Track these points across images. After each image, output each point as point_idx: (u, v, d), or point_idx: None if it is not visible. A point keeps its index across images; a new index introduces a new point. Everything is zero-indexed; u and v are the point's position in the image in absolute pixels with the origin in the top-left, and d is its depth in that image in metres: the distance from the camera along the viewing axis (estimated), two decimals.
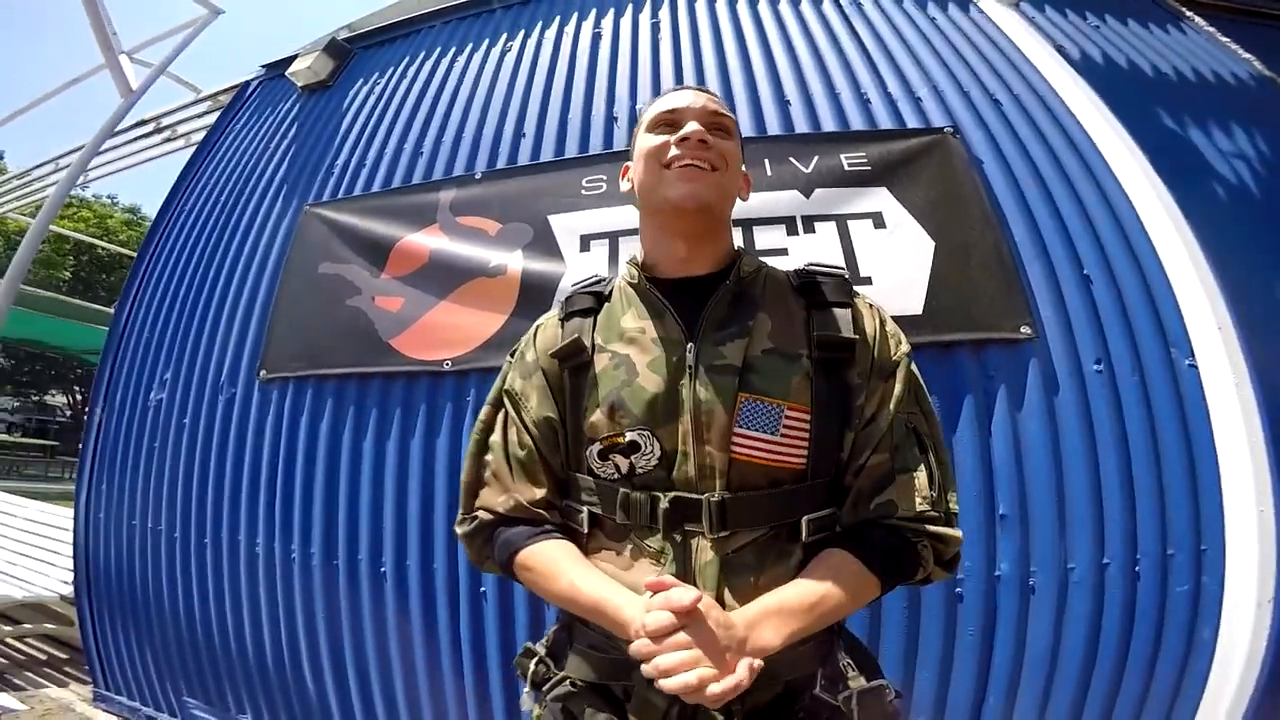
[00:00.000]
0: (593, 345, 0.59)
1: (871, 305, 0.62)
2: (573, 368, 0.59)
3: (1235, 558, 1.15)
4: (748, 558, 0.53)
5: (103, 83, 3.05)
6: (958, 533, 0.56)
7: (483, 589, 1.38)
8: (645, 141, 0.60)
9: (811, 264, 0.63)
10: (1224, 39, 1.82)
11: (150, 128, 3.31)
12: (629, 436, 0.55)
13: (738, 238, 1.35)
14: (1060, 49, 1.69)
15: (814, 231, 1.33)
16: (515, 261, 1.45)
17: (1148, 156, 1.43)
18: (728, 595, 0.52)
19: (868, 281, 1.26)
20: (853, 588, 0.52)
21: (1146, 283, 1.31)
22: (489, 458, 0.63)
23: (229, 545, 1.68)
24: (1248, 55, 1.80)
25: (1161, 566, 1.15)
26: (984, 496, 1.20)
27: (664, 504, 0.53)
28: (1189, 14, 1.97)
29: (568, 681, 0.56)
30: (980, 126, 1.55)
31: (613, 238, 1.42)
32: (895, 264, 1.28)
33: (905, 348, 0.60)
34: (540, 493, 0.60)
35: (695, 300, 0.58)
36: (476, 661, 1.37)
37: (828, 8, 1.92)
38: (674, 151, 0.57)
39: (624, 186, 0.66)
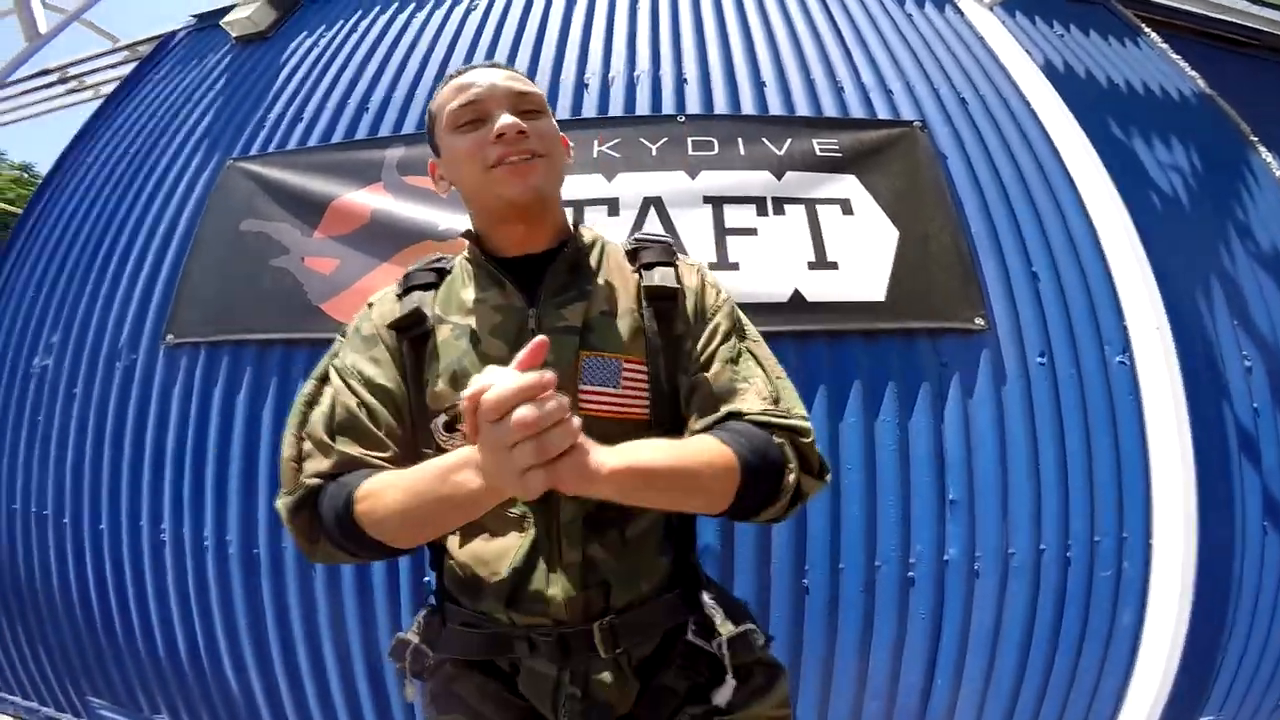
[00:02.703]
0: (433, 316, 0.58)
1: (693, 264, 0.64)
2: (412, 339, 0.58)
3: (1161, 549, 1.22)
4: (610, 512, 0.54)
5: (6, 27, 2.66)
6: (807, 422, 0.56)
7: (426, 578, 1.27)
8: (455, 143, 0.57)
9: (641, 234, 0.67)
10: (1174, 56, 1.95)
11: (54, 77, 2.91)
12: None
13: (709, 216, 1.30)
14: (1028, 53, 1.75)
15: (783, 213, 1.30)
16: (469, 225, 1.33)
17: (1102, 161, 1.49)
18: (597, 549, 0.54)
19: (834, 266, 1.25)
20: (708, 455, 0.49)
21: (1087, 282, 1.37)
22: (310, 429, 0.57)
23: (129, 531, 1.49)
24: (1193, 73, 1.93)
25: (1089, 553, 1.22)
26: (936, 482, 1.22)
27: None
28: (1146, 30, 2.10)
29: (447, 664, 0.56)
30: (946, 123, 1.57)
31: (577, 207, 1.33)
32: (861, 251, 1.27)
33: (725, 294, 0.63)
34: (373, 453, 0.55)
35: (535, 272, 0.59)
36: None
37: None
38: (493, 150, 0.54)
39: (441, 189, 0.63)
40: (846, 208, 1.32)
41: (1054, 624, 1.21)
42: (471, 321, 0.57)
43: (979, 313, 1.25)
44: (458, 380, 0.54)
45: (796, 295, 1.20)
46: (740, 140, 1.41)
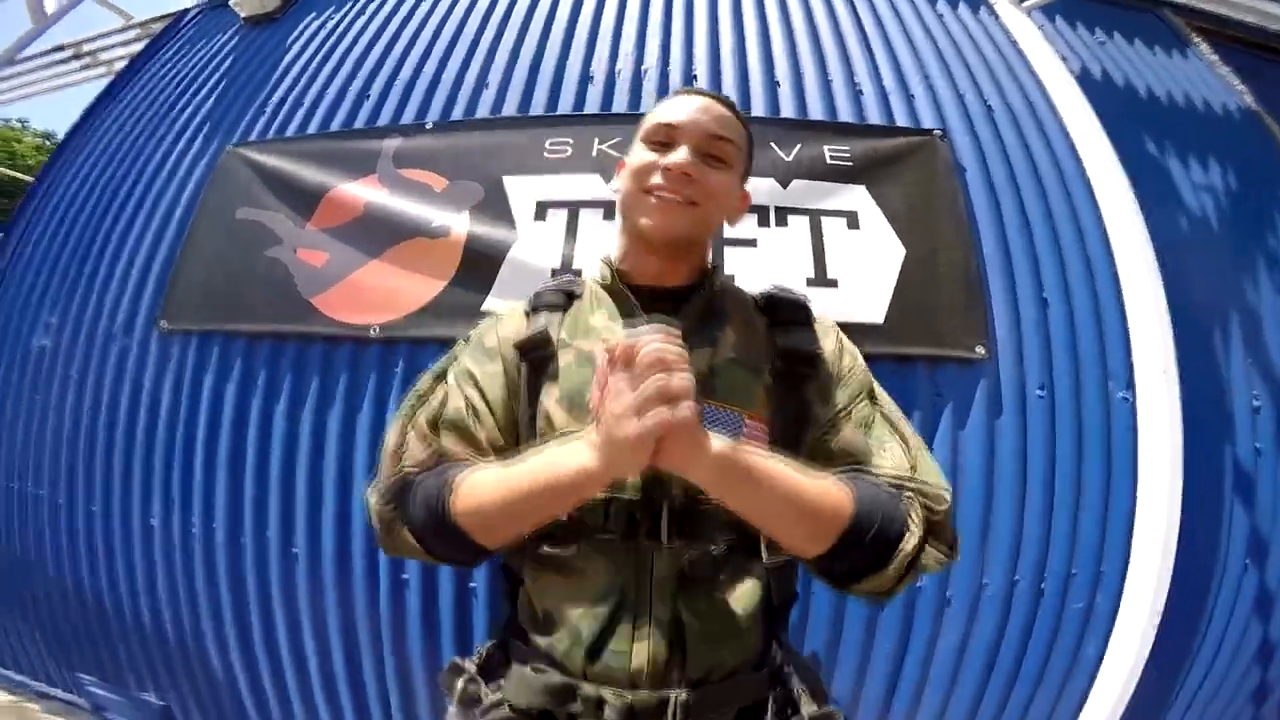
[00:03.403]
0: (558, 340, 0.57)
1: (829, 325, 0.62)
2: (533, 361, 0.57)
3: (1134, 583, 1.18)
4: (704, 571, 0.52)
5: (16, 4, 2.65)
6: (947, 492, 0.52)
7: (405, 576, 1.27)
8: (636, 155, 0.58)
9: (776, 287, 0.64)
10: (1223, 69, 1.83)
11: (69, 53, 2.92)
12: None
13: None
14: (1064, 59, 1.66)
15: (786, 224, 1.24)
16: (461, 224, 1.30)
17: (1130, 181, 1.41)
18: (684, 611, 0.51)
19: (833, 284, 1.19)
20: (824, 485, 0.48)
21: (1100, 313, 1.31)
22: (416, 422, 0.57)
23: (121, 515, 1.50)
24: (1241, 86, 1.81)
25: (1064, 585, 1.19)
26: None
27: (619, 506, 0.51)
28: (1197, 40, 1.97)
29: (505, 705, 0.52)
30: (969, 133, 1.49)
31: (572, 208, 1.29)
32: (863, 269, 1.21)
33: (861, 362, 0.61)
34: (474, 456, 0.55)
35: (666, 308, 0.56)
36: (396, 646, 1.28)
37: None
38: (655, 179, 0.55)
39: (613, 186, 0.67)
40: (853, 221, 1.26)
41: (1017, 654, 1.19)
42: (597, 349, 0.54)
43: (981, 341, 1.19)
44: (574, 406, 0.54)
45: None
46: None
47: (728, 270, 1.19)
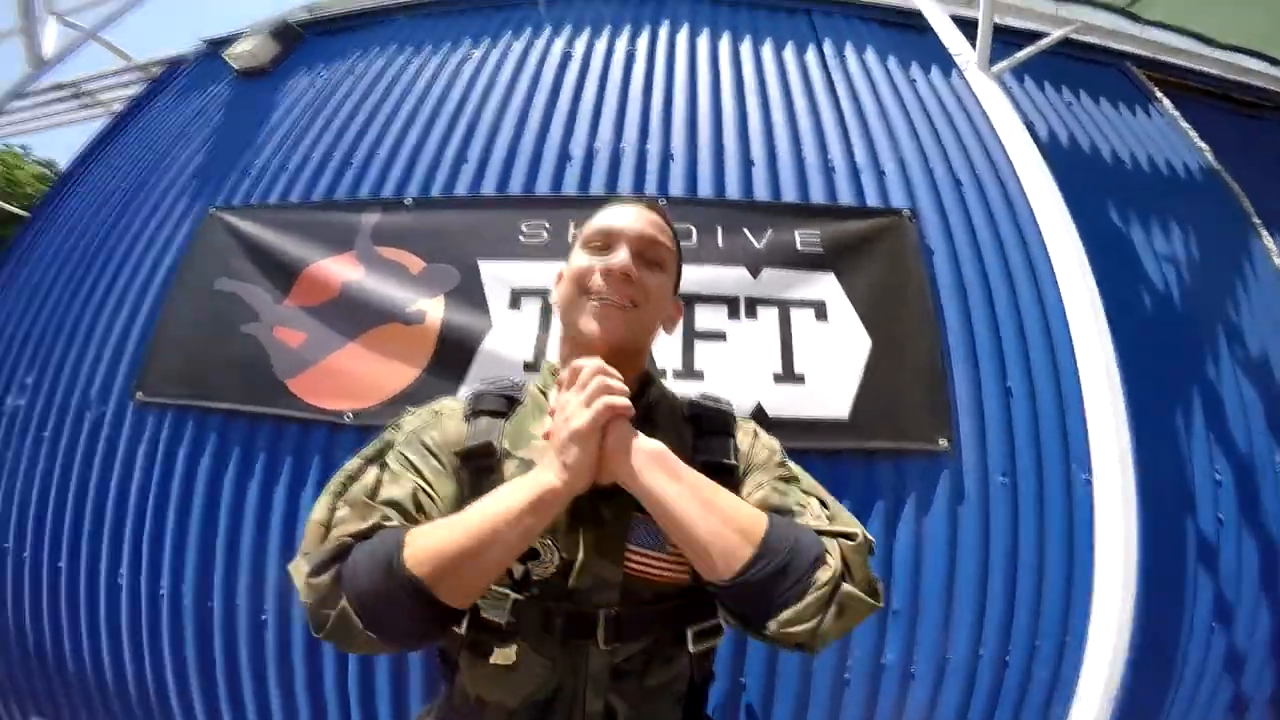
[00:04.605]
0: (501, 450, 0.57)
1: (749, 427, 0.65)
2: (475, 469, 0.57)
3: (1093, 653, 1.18)
4: (635, 664, 0.55)
5: (15, 45, 2.66)
6: (865, 532, 0.54)
7: (373, 654, 1.27)
8: (576, 259, 0.60)
9: (703, 395, 0.66)
10: (1184, 124, 1.87)
11: (68, 92, 2.93)
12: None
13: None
14: (1030, 125, 1.70)
15: (755, 317, 1.27)
16: (436, 309, 1.32)
17: (1090, 255, 1.43)
18: (614, 698, 0.54)
19: (800, 380, 1.22)
20: (742, 504, 0.52)
21: (1062, 400, 1.34)
22: (349, 497, 0.54)
23: (88, 573, 1.50)
24: (1203, 145, 1.86)
25: (1029, 655, 1.22)
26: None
27: (558, 618, 0.53)
28: (1159, 95, 2.03)
29: None
30: (938, 210, 1.54)
31: (546, 296, 1.31)
32: (830, 363, 1.24)
33: (779, 453, 0.63)
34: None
35: None
36: (364, 712, 1.27)
37: (810, 57, 1.88)
38: (596, 281, 0.57)
39: (552, 297, 0.66)
40: (821, 312, 1.29)
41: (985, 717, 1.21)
42: (538, 459, 0.55)
43: (945, 434, 1.22)
44: None
45: (759, 410, 1.18)
46: (720, 229, 1.38)
47: (698, 365, 1.22)
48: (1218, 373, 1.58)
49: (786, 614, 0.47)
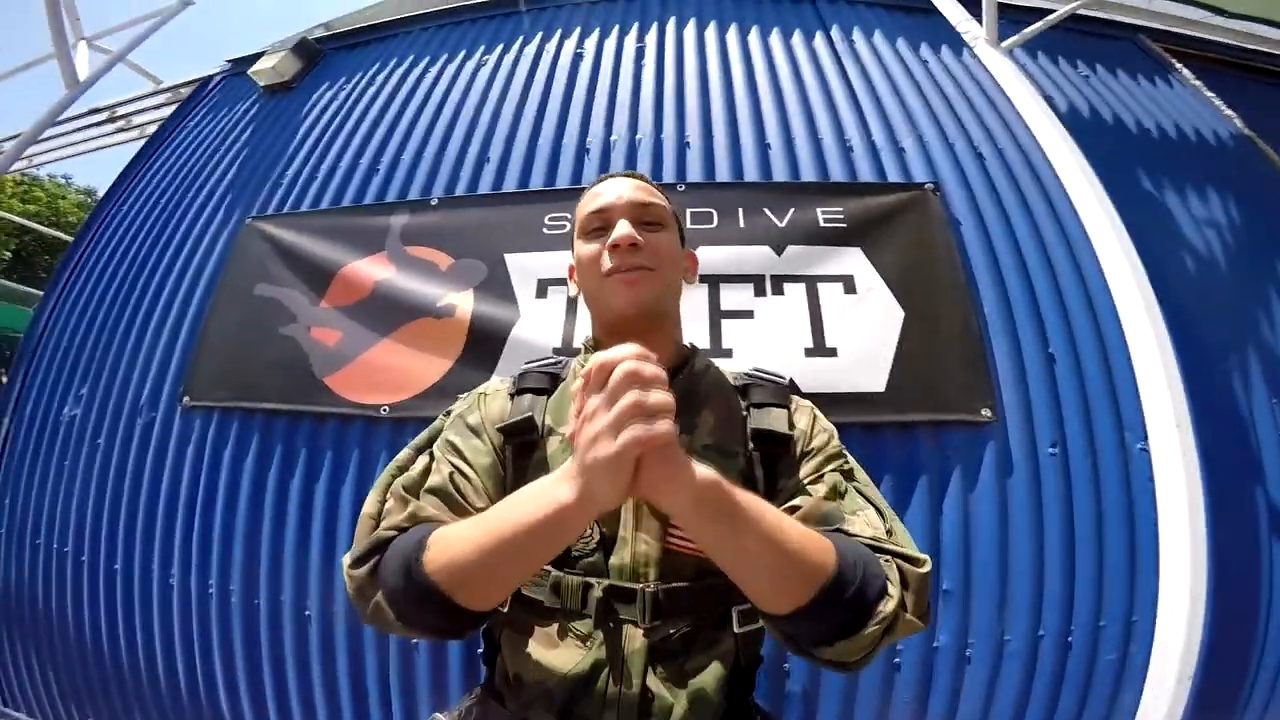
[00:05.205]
0: (543, 426, 0.58)
1: (806, 405, 0.64)
2: (518, 446, 0.57)
3: (1164, 634, 1.14)
4: (675, 645, 0.53)
5: (50, 70, 2.84)
6: (925, 556, 0.50)
7: (414, 640, 1.28)
8: (581, 249, 0.61)
9: (756, 370, 0.66)
10: (1208, 93, 1.81)
11: (103, 116, 3.10)
12: None
13: (704, 296, 1.28)
14: (1049, 99, 1.66)
15: (782, 293, 1.26)
16: (466, 302, 1.34)
17: (1125, 222, 1.40)
18: (653, 677, 0.52)
19: (833, 353, 1.20)
20: (808, 534, 0.45)
21: (1109, 364, 1.29)
22: (394, 489, 0.56)
23: (141, 574, 1.55)
24: (1230, 112, 1.79)
25: (1093, 637, 1.16)
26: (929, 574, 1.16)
27: (598, 592, 0.52)
28: (1178, 65, 1.96)
29: None
30: (962, 184, 1.51)
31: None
32: (862, 335, 1.22)
33: (836, 440, 0.61)
34: (456, 520, 0.52)
35: None
36: (407, 714, 1.28)
37: (819, 43, 1.88)
38: (608, 262, 0.57)
39: (570, 291, 0.66)
40: (849, 285, 1.28)
41: (1048, 708, 1.15)
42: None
43: (987, 403, 1.18)
44: None
45: (791, 384, 1.16)
46: (741, 210, 1.38)
47: (725, 343, 1.21)
48: (1273, 333, 1.50)
49: (842, 644, 0.45)
